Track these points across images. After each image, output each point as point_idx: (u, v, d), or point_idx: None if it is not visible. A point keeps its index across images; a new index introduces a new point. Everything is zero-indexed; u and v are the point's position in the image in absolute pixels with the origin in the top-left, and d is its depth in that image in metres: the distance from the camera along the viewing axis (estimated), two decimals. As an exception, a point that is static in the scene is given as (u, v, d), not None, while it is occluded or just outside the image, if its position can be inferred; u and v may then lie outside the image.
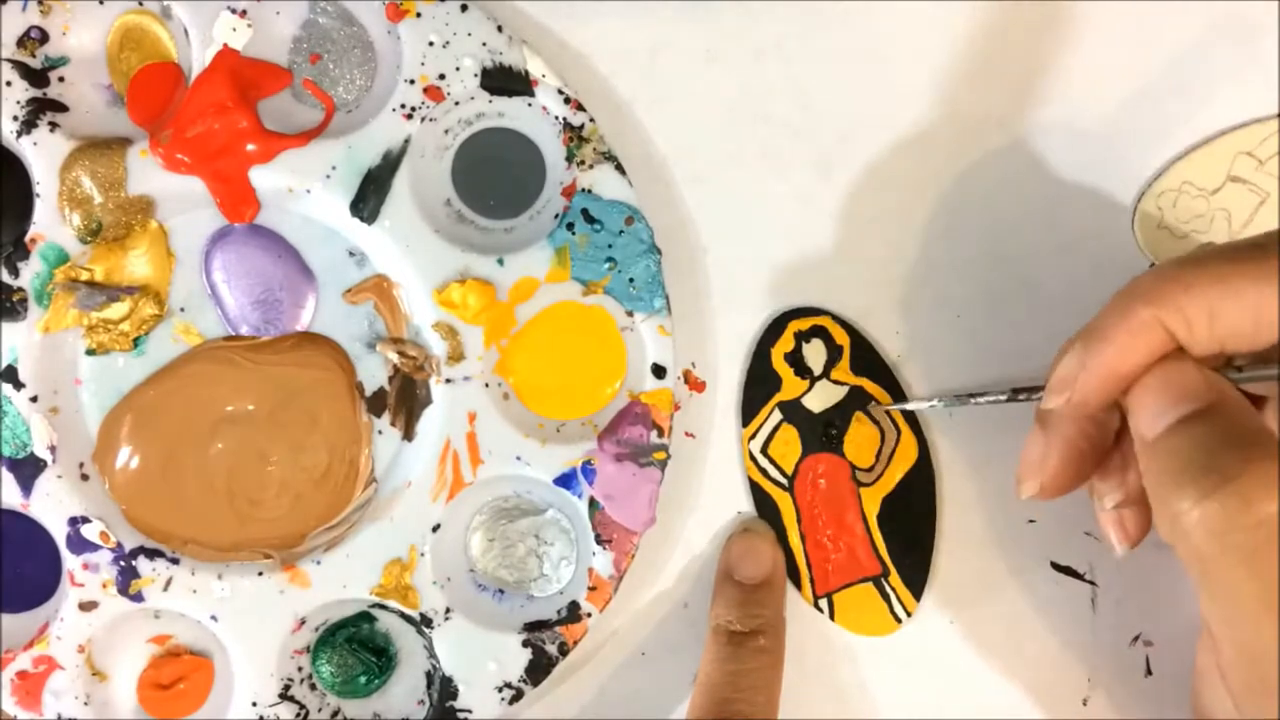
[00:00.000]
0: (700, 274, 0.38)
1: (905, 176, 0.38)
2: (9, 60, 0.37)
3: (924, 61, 0.37)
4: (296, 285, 0.38)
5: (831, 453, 0.38)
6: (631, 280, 0.37)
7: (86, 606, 0.38)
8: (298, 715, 0.38)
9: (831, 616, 0.38)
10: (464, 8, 0.37)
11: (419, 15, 0.36)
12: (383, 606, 0.38)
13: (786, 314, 0.38)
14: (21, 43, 0.37)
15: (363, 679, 0.39)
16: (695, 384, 0.39)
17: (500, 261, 0.37)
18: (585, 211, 0.37)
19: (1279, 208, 0.37)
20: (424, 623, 0.38)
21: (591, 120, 0.37)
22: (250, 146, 0.36)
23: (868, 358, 0.38)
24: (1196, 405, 0.26)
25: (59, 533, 0.38)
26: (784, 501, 0.38)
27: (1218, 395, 0.26)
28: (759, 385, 0.38)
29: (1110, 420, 0.30)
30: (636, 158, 0.38)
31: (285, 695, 0.38)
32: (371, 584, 0.37)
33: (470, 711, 0.38)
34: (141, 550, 0.38)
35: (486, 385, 0.37)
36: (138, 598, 0.38)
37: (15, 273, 0.37)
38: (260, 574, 0.38)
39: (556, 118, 0.37)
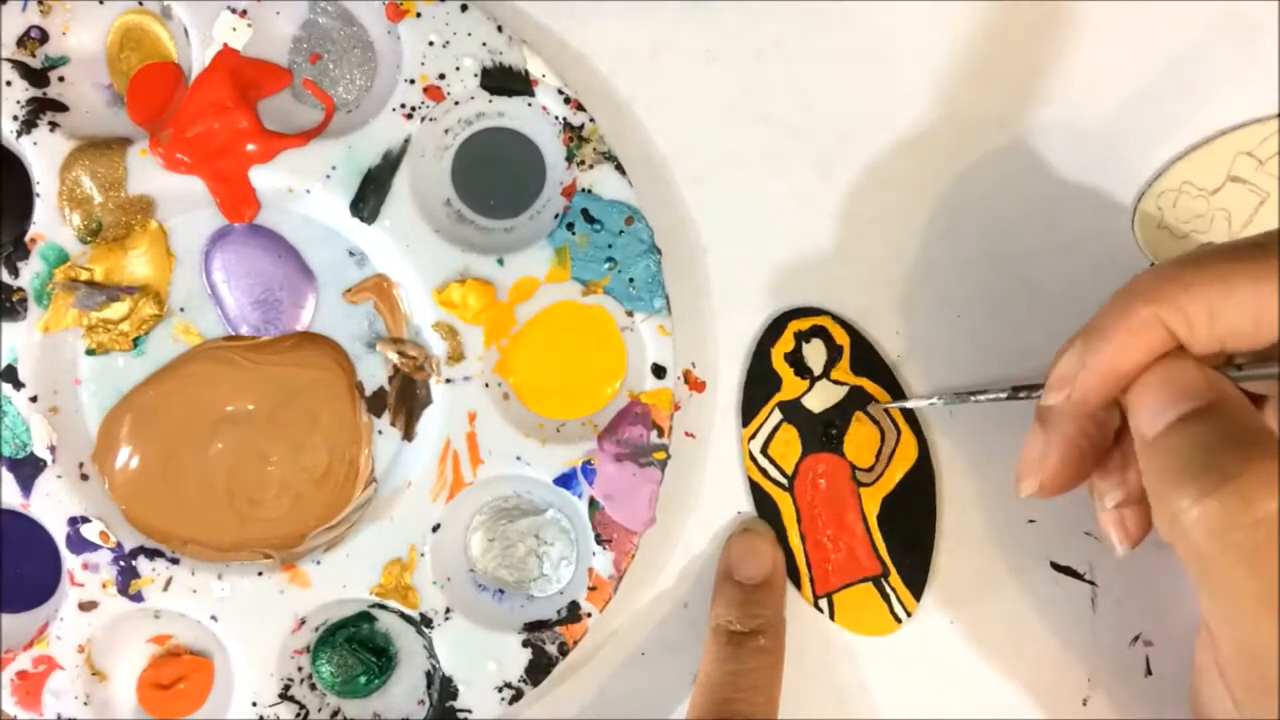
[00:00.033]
0: (700, 274, 0.38)
1: (905, 176, 0.38)
2: (9, 60, 0.37)
3: (924, 61, 0.37)
4: (296, 285, 0.38)
5: (831, 453, 0.38)
6: (631, 280, 0.37)
7: (86, 606, 0.38)
8: (298, 715, 0.38)
9: (831, 616, 0.38)
10: (464, 8, 0.37)
11: (419, 15, 0.36)
12: (383, 606, 0.38)
13: (786, 314, 0.38)
14: (21, 42, 0.37)
15: (363, 679, 0.39)
16: (695, 384, 0.39)
17: (500, 261, 0.37)
18: (585, 211, 0.37)
19: (1279, 208, 0.37)
20: (424, 623, 0.38)
21: (591, 120, 0.37)
22: (250, 146, 0.36)
23: (868, 358, 0.38)
24: (1196, 404, 0.26)
25: (59, 533, 0.38)
26: (784, 501, 0.38)
27: (1218, 394, 0.26)
28: (759, 385, 0.38)
29: (1110, 419, 0.30)
30: (636, 158, 0.38)
31: (285, 695, 0.38)
32: (371, 584, 0.37)
33: (470, 711, 0.38)
34: (141, 550, 0.38)
35: (486, 385, 0.37)
36: (138, 598, 0.38)
37: (15, 273, 0.37)
38: (260, 574, 0.38)
39: (556, 118, 0.37)
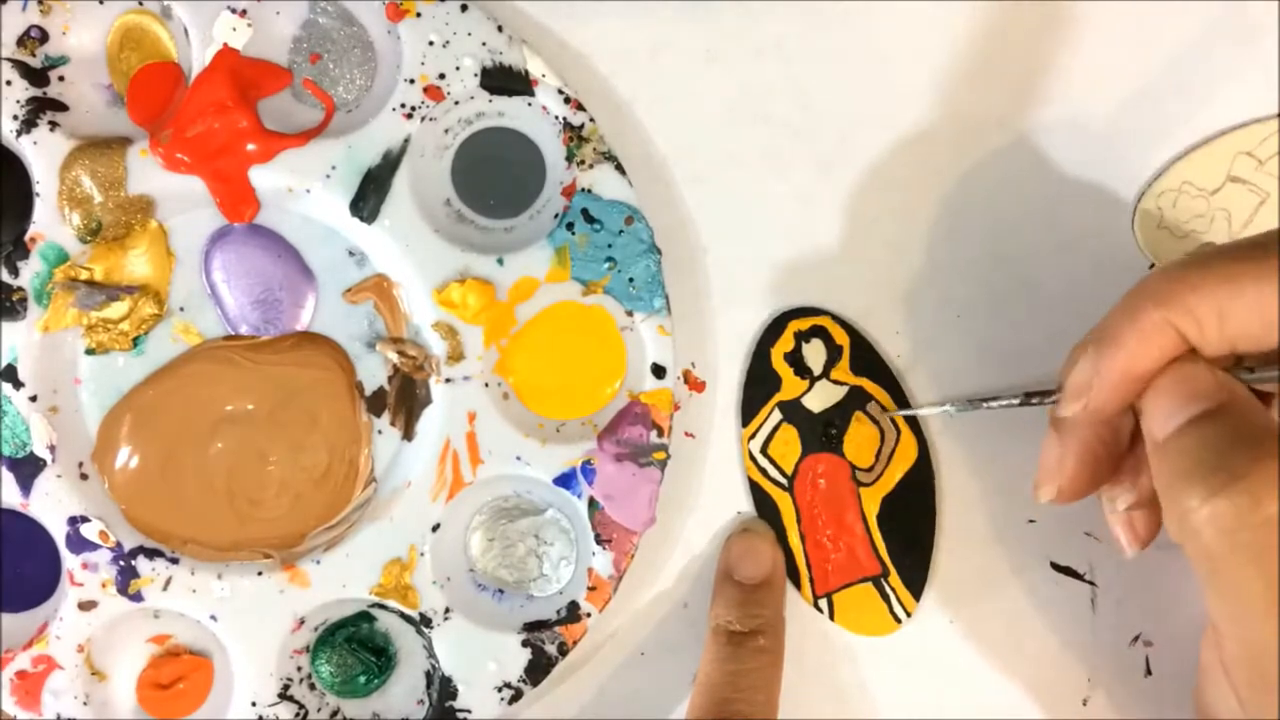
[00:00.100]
0: (700, 274, 0.38)
1: (905, 176, 0.38)
2: (9, 59, 0.37)
3: (924, 61, 0.37)
4: (296, 285, 0.38)
5: (831, 453, 0.38)
6: (631, 280, 0.37)
7: (86, 606, 0.38)
8: (297, 715, 0.38)
9: (831, 616, 0.38)
10: (464, 7, 0.37)
11: (419, 15, 0.36)
12: (382, 606, 0.38)
13: (786, 314, 0.38)
14: (21, 42, 0.37)
15: (362, 679, 0.39)
16: (695, 384, 0.39)
17: (500, 261, 0.37)
18: (585, 211, 0.37)
19: (1279, 208, 0.37)
20: (423, 622, 0.38)
21: (591, 120, 0.37)
22: (250, 146, 0.36)
23: (867, 358, 0.38)
24: (1207, 405, 0.26)
25: (58, 532, 0.38)
26: (784, 501, 0.38)
27: (1228, 395, 0.26)
28: (759, 385, 0.38)
29: (1125, 423, 0.30)
30: (636, 158, 0.38)
31: (285, 695, 0.38)
32: (371, 584, 0.37)
33: (470, 711, 0.38)
34: (141, 550, 0.38)
35: (486, 385, 0.37)
36: (137, 597, 0.38)
37: (15, 272, 0.37)
38: (260, 574, 0.38)
39: (556, 117, 0.37)
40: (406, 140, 0.37)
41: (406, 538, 0.37)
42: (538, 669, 0.37)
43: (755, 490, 0.38)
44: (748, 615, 0.36)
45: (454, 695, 0.38)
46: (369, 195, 0.37)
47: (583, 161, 0.37)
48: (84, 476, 0.38)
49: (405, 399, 0.38)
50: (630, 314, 0.37)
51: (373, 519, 0.38)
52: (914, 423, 0.38)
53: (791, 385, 0.38)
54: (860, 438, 0.38)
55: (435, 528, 0.37)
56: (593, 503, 0.37)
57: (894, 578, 0.38)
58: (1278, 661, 0.23)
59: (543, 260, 0.37)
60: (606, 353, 0.37)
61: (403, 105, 0.37)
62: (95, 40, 0.38)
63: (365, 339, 0.38)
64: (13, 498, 0.38)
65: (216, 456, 0.38)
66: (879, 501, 0.38)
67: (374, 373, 0.38)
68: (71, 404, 0.38)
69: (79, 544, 0.38)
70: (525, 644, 0.37)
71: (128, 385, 0.38)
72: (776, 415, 0.38)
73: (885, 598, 0.38)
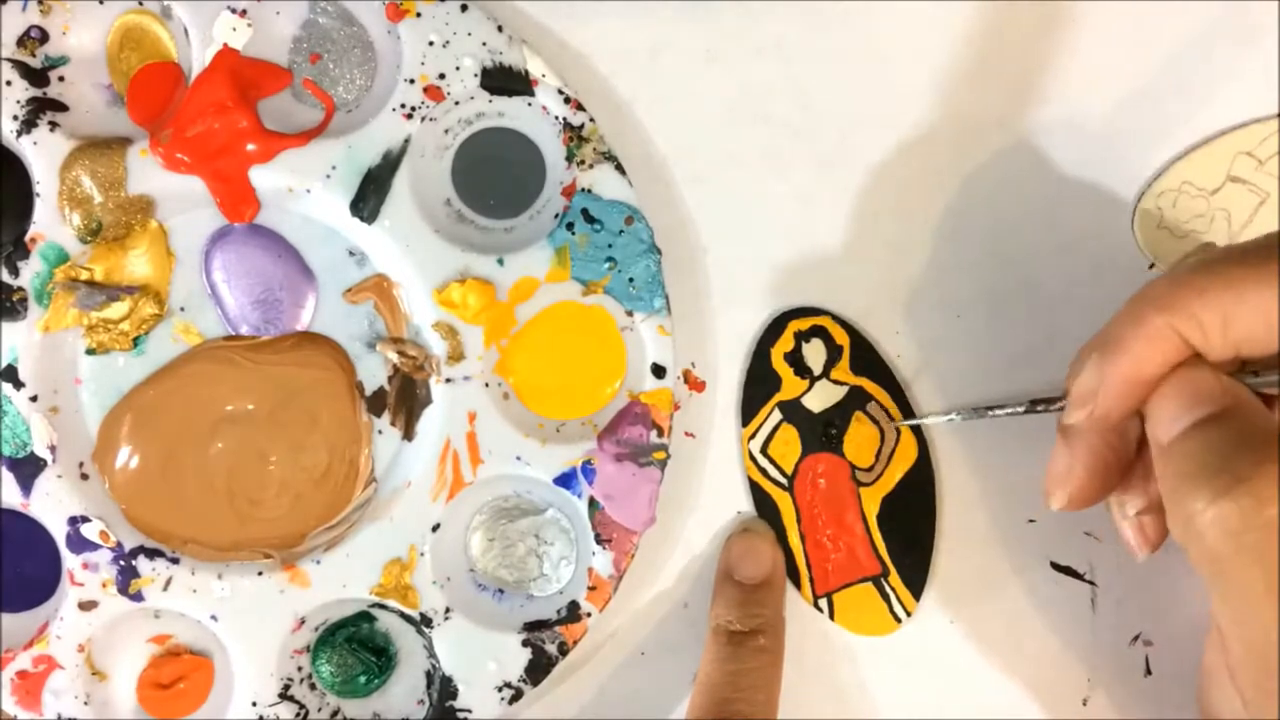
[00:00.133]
0: (700, 274, 0.38)
1: (905, 176, 0.38)
2: (9, 60, 0.37)
3: (924, 61, 0.37)
4: (296, 285, 0.38)
5: (831, 452, 0.38)
6: (631, 280, 0.37)
7: (86, 606, 0.38)
8: (297, 715, 0.38)
9: (831, 616, 0.38)
10: (464, 7, 0.37)
11: (419, 15, 0.36)
12: (382, 606, 0.38)
13: (786, 314, 0.38)
14: (21, 42, 0.37)
15: (362, 679, 0.39)
16: (695, 384, 0.39)
17: (500, 261, 0.37)
18: (585, 211, 0.37)
19: (1279, 208, 0.37)
20: (424, 622, 0.38)
21: (591, 120, 0.37)
22: (250, 146, 0.36)
23: (867, 358, 0.38)
24: (1211, 409, 0.26)
25: (59, 532, 0.38)
26: (784, 501, 0.38)
27: (1232, 399, 0.26)
28: (759, 385, 0.38)
29: (1132, 429, 0.30)
30: (636, 158, 0.38)
31: (285, 695, 0.38)
32: (371, 584, 0.37)
33: (470, 711, 0.38)
34: (141, 550, 0.38)
35: (486, 385, 0.37)
36: (137, 597, 0.38)
37: (15, 272, 0.37)
38: (260, 574, 0.38)
39: (556, 118, 0.37)
40: (406, 140, 0.37)
41: (407, 538, 0.37)
42: (538, 669, 0.37)
43: (755, 490, 0.38)
44: (748, 615, 0.36)
45: (454, 695, 0.38)
46: (369, 195, 0.37)
47: (583, 161, 0.37)
48: (84, 476, 0.38)
49: (405, 399, 0.38)
50: (630, 314, 0.37)
51: (373, 519, 0.38)
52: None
53: (791, 385, 0.38)
54: (860, 438, 0.38)
55: (435, 528, 0.37)
56: (593, 503, 0.37)
57: (894, 577, 0.38)
58: None
59: (543, 260, 0.37)
60: (606, 353, 0.37)
61: (403, 105, 0.37)
62: (95, 40, 0.38)
63: (365, 339, 0.38)
64: (13, 498, 0.38)
65: (217, 456, 0.38)
66: (879, 501, 0.38)
67: (374, 373, 0.38)
68: (72, 404, 0.38)
69: (79, 544, 0.38)
70: (525, 644, 0.37)
71: (128, 385, 0.38)
72: (776, 415, 0.38)
73: (885, 597, 0.38)
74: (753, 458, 0.38)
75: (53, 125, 0.37)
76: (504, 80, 0.37)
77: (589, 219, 0.37)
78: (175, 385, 0.38)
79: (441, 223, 0.37)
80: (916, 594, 0.38)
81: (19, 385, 0.38)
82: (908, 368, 0.38)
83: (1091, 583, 0.38)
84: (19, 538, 0.39)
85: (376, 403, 0.38)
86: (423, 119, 0.37)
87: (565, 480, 0.37)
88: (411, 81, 0.37)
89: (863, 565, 0.38)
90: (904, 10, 0.37)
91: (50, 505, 0.38)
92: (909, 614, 0.38)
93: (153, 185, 0.37)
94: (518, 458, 0.37)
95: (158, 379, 0.38)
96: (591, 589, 0.37)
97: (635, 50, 0.38)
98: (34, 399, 0.38)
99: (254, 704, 0.38)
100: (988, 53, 0.37)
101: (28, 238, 0.37)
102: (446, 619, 0.38)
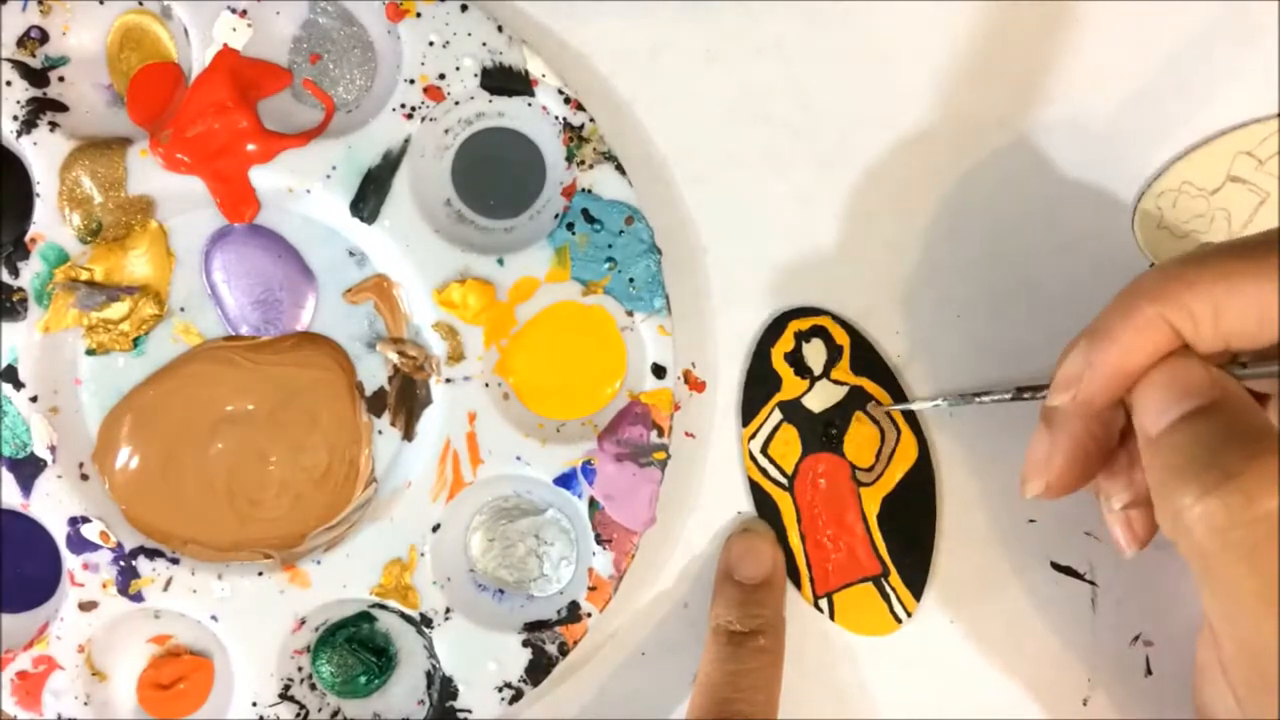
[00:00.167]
0: (700, 274, 0.38)
1: (905, 176, 0.38)
2: (9, 60, 0.37)
3: (924, 61, 0.37)
4: (296, 285, 0.38)
5: (831, 452, 0.38)
6: (631, 280, 0.37)
7: (86, 606, 0.38)
8: (298, 715, 0.38)
9: (831, 616, 0.38)
10: (464, 8, 0.37)
11: (419, 15, 0.36)
12: (383, 606, 0.38)
13: (786, 314, 0.38)
14: (21, 43, 0.37)
15: (363, 679, 0.39)
16: (695, 384, 0.39)
17: (500, 261, 0.37)
18: (585, 211, 0.37)
19: (1279, 208, 0.37)
20: (424, 623, 0.38)
21: (591, 120, 0.37)
22: (250, 146, 0.36)
23: (868, 358, 0.38)
24: (1200, 401, 0.26)
25: (59, 533, 0.38)
26: (784, 501, 0.38)
27: (1221, 392, 0.26)
28: (759, 385, 0.38)
29: (1116, 419, 0.30)
30: (636, 158, 0.38)
31: (285, 695, 0.38)
32: (371, 584, 0.37)
33: (470, 711, 0.38)
34: (141, 550, 0.38)
35: (486, 385, 0.37)
36: (138, 598, 0.38)
37: (15, 273, 0.37)
38: (260, 574, 0.38)
39: (556, 118, 0.37)
40: (406, 140, 0.37)
41: (407, 538, 0.37)
42: (538, 669, 0.37)
43: (755, 490, 0.38)
44: (748, 615, 0.36)
45: (454, 695, 0.38)
46: (369, 195, 0.37)
47: (583, 161, 0.37)
48: (84, 477, 0.38)
49: (405, 399, 0.38)
50: (630, 314, 0.37)
51: (373, 519, 0.38)
52: (914, 423, 0.38)
53: (792, 385, 0.38)
54: (860, 437, 0.38)
55: (435, 528, 0.37)
56: (593, 503, 0.37)
57: (894, 577, 0.38)
58: (1276, 660, 0.23)
59: (543, 260, 0.37)
60: (606, 353, 0.37)
61: (403, 105, 0.37)
62: (95, 40, 0.38)
63: (365, 339, 0.38)
64: (13, 498, 0.38)
65: (217, 457, 0.38)
66: (879, 501, 0.38)
67: (374, 373, 0.38)
68: (72, 404, 0.38)
69: (79, 544, 0.38)
70: (526, 644, 0.37)
71: (128, 386, 0.38)
72: (777, 415, 0.38)
73: (885, 598, 0.38)
74: (753, 458, 0.38)
75: (53, 125, 0.37)
76: (504, 80, 0.37)
77: (589, 219, 0.37)
78: (175, 385, 0.38)
79: (441, 223, 0.37)
80: (917, 594, 0.38)
81: (19, 385, 0.38)
82: (908, 368, 0.38)
83: (1092, 583, 0.38)
84: (19, 538, 0.39)
85: (376, 403, 0.38)
86: (423, 119, 0.37)
87: (565, 480, 0.37)
88: (411, 81, 0.37)
89: (863, 565, 0.38)
90: (904, 10, 0.37)
91: (50, 506, 0.38)
92: (909, 614, 0.38)
93: (153, 185, 0.37)
94: (518, 458, 0.37)
95: (158, 379, 0.38)
96: (592, 589, 0.37)
97: (635, 50, 0.38)
98: (34, 399, 0.38)
99: (254, 704, 0.38)
100: (988, 53, 0.37)
101: (28, 238, 0.37)
102: (447, 619, 0.38)
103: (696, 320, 0.38)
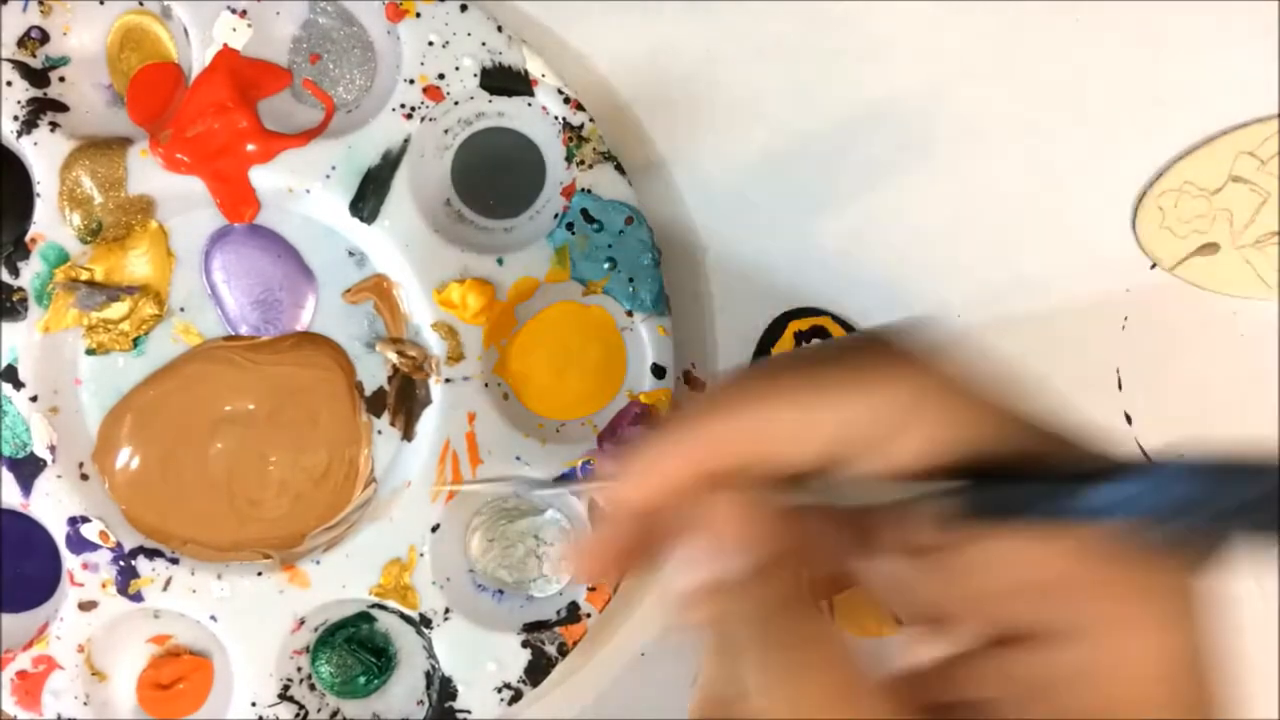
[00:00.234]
0: (700, 274, 0.38)
1: (905, 176, 0.37)
2: (9, 60, 0.37)
3: (924, 61, 0.37)
4: (296, 285, 0.38)
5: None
6: (631, 280, 0.37)
7: (86, 606, 0.38)
8: (297, 715, 0.38)
9: (832, 617, 0.38)
10: (464, 8, 0.37)
11: (419, 15, 0.36)
12: (382, 607, 0.38)
13: (786, 314, 0.38)
14: (22, 43, 0.37)
15: (362, 679, 0.39)
16: (695, 384, 0.38)
17: (500, 261, 0.37)
18: (585, 211, 0.37)
19: (1280, 208, 0.37)
20: (423, 623, 0.38)
21: (591, 120, 0.37)
22: (250, 146, 0.36)
23: (868, 358, 0.38)
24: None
25: (59, 532, 0.38)
26: (784, 502, 0.38)
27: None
28: (759, 385, 0.38)
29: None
30: (636, 158, 0.38)
31: (284, 695, 0.38)
32: (371, 584, 0.37)
33: (469, 712, 0.38)
34: (141, 550, 0.38)
35: (486, 385, 0.37)
36: (137, 597, 0.38)
37: (15, 272, 0.37)
38: (260, 574, 0.38)
39: (556, 118, 0.37)
40: (406, 140, 0.37)
41: (406, 538, 0.37)
42: (537, 670, 0.37)
43: (755, 491, 0.38)
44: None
45: (454, 696, 0.38)
46: (369, 195, 0.37)
47: (583, 161, 0.37)
48: (84, 477, 0.38)
49: (405, 399, 0.38)
50: (630, 314, 0.37)
51: (372, 519, 0.38)
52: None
53: (792, 385, 0.38)
54: (860, 438, 0.38)
55: (435, 528, 0.37)
56: (593, 503, 0.37)
57: (894, 578, 0.38)
58: None
59: (543, 260, 0.37)
60: (606, 353, 0.37)
61: (402, 105, 0.37)
62: (95, 40, 0.38)
63: (365, 339, 0.38)
64: (13, 498, 0.38)
65: (216, 457, 0.38)
66: (879, 502, 0.38)
67: (374, 373, 0.38)
68: (72, 404, 0.38)
69: (79, 544, 0.38)
70: (525, 644, 0.37)
71: (128, 385, 0.38)
72: (777, 415, 0.38)
73: (886, 598, 0.38)
74: (753, 458, 0.38)
75: (53, 125, 0.37)
76: (504, 80, 0.37)
77: (589, 219, 0.37)
78: (175, 385, 0.38)
79: (441, 223, 0.37)
80: (917, 595, 0.38)
81: (19, 385, 0.38)
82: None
83: (1093, 584, 0.38)
84: (19, 538, 0.38)
85: (376, 403, 0.38)
86: (422, 119, 0.37)
87: (565, 480, 0.37)
88: (411, 81, 0.37)
89: (863, 566, 0.38)
90: (904, 10, 0.37)
91: (50, 505, 0.38)
92: (909, 615, 0.38)
93: (153, 185, 0.37)
94: (517, 458, 0.37)
95: (157, 379, 0.38)
96: (591, 590, 0.37)
97: (635, 50, 0.38)
98: (34, 399, 0.38)
99: (253, 704, 0.38)
100: (988, 52, 0.37)
101: (28, 238, 0.37)
102: (446, 619, 0.37)
103: (696, 320, 0.38)
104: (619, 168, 0.37)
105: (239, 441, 0.38)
